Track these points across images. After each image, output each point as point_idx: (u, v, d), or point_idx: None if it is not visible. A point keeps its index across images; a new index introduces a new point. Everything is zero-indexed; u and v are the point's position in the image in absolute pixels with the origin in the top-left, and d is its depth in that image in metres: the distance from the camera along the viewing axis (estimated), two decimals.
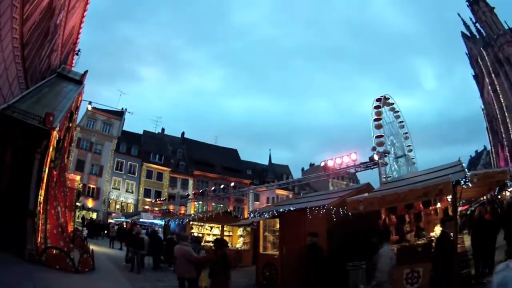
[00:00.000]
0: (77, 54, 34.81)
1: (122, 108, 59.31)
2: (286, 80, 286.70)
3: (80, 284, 13.67)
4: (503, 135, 61.69)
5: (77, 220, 37.46)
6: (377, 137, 52.44)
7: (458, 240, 11.68)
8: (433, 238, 12.57)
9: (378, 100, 55.08)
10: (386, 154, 36.77)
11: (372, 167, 25.25)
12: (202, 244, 20.32)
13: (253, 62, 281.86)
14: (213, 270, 10.02)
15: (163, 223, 32.43)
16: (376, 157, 25.51)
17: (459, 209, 23.83)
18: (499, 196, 29.08)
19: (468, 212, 26.90)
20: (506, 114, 58.98)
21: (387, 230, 13.21)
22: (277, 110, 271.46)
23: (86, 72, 27.05)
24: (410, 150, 58.05)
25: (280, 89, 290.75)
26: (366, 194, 12.41)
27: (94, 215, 53.32)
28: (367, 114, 56.32)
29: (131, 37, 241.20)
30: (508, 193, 28.33)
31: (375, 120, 53.55)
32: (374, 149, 34.17)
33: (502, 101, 60.02)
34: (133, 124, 61.75)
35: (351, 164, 26.42)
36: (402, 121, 58.86)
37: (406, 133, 58.87)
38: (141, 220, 37.00)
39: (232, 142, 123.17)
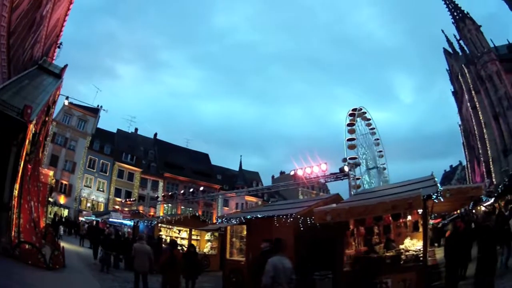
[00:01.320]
0: (59, 47, 34.05)
1: (98, 105, 58.90)
2: (262, 86, 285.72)
3: (53, 281, 13.36)
4: (480, 151, 62.62)
5: (49, 216, 36.84)
6: (348, 140, 52.62)
7: (429, 253, 11.92)
8: (402, 250, 12.64)
9: (353, 111, 55.09)
10: (357, 166, 36.85)
11: (342, 178, 25.24)
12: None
13: (231, 66, 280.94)
14: (163, 267, 12.05)
15: (132, 224, 31.87)
16: (346, 169, 25.56)
17: (431, 222, 23.96)
18: (474, 211, 29.34)
19: (439, 226, 26.99)
20: (485, 130, 59.89)
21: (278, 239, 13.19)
22: (251, 116, 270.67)
23: (66, 66, 26.50)
24: (383, 163, 58.75)
25: (256, 95, 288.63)
26: (334, 205, 12.36)
27: (66, 212, 52.31)
28: (342, 125, 56.18)
29: (113, 33, 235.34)
30: (483, 208, 28.57)
31: (349, 132, 53.40)
32: (344, 160, 34.28)
33: (481, 118, 60.94)
34: (107, 122, 61.31)
35: (321, 174, 26.38)
36: (376, 134, 59.42)
37: (379, 144, 59.49)
38: (110, 219, 36.38)
39: (203, 146, 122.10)
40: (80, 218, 47.09)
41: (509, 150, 54.30)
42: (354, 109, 55.06)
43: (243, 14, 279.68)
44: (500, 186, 22.78)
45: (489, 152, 58.55)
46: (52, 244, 19.91)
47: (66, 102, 49.59)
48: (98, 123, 63.10)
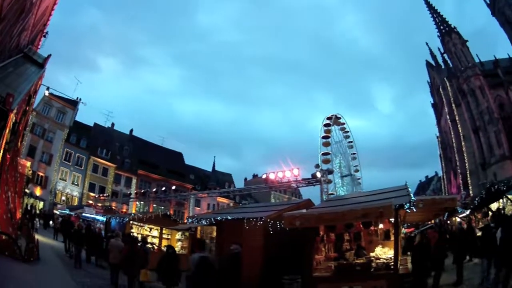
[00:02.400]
0: (44, 36, 33.47)
1: (77, 98, 57.92)
2: (241, 87, 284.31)
3: (28, 273, 13.26)
4: (457, 163, 63.45)
5: (24, 207, 36.19)
6: (323, 154, 51.83)
7: (402, 262, 12.14)
8: (373, 258, 12.69)
9: (329, 118, 55.04)
10: (330, 173, 36.88)
11: (314, 184, 25.26)
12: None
13: (211, 66, 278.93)
14: (121, 261, 13.29)
15: (105, 219, 31.42)
16: (318, 175, 25.61)
17: (404, 231, 24.02)
18: (448, 222, 29.50)
19: (412, 235, 27.01)
20: (463, 143, 60.75)
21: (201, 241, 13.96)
22: (227, 116, 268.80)
23: (49, 56, 26.10)
24: (357, 170, 59.21)
25: (234, 96, 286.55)
26: (304, 211, 12.33)
27: (41, 204, 51.29)
28: (318, 130, 55.52)
29: (96, 24, 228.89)
30: (458, 219, 28.74)
31: (324, 137, 52.91)
32: (317, 166, 34.16)
33: (460, 131, 61.81)
34: (84, 115, 59.94)
35: (293, 179, 26.39)
36: (351, 141, 59.84)
37: (354, 153, 59.89)
38: (83, 214, 35.78)
39: (178, 145, 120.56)
40: (55, 211, 46.31)
41: (487, 164, 55.04)
42: (329, 117, 55.00)
43: (227, 14, 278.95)
44: (477, 199, 22.95)
45: (466, 164, 59.27)
46: (27, 236, 19.58)
47: (47, 93, 48.80)
48: (76, 115, 62.22)
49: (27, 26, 23.08)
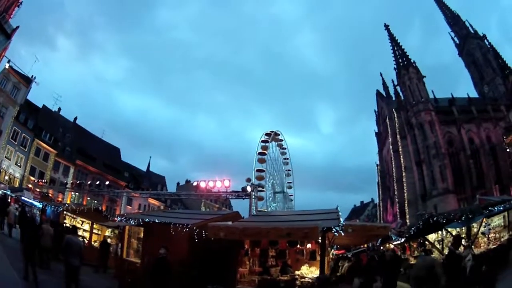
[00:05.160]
0: (18, 6, 32.35)
1: (32, 76, 55.78)
2: (184, 89, 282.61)
3: None
4: (396, 193, 65.39)
5: None
6: (257, 171, 51.18)
7: None
8: (298, 276, 12.83)
9: (268, 134, 54.92)
10: (260, 187, 37.02)
11: (243, 197, 25.45)
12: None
13: (160, 62, 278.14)
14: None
15: (41, 206, 30.35)
16: (249, 189, 25.74)
17: (334, 252, 24.33)
18: (381, 248, 30.11)
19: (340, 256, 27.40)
20: (404, 173, 62.84)
21: None
22: (167, 116, 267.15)
23: (17, 28, 25.14)
24: (290, 187, 59.82)
25: (176, 96, 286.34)
26: (229, 223, 12.34)
27: None
28: (255, 143, 55.42)
29: (64, 0, 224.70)
30: (392, 246, 29.38)
31: (260, 153, 52.46)
32: (249, 180, 34.14)
33: (402, 162, 63.88)
34: (33, 95, 57.43)
35: (223, 190, 26.53)
36: (288, 159, 60.22)
37: (289, 170, 60.41)
38: (22, 197, 34.60)
39: (116, 139, 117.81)
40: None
41: (428, 196, 56.94)
42: (268, 134, 54.98)
43: (186, 13, 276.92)
44: (413, 228, 23.51)
45: (406, 194, 60.96)
46: None
47: (7, 66, 46.87)
48: (28, 94, 59.90)
49: None
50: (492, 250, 15.43)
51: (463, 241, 18.92)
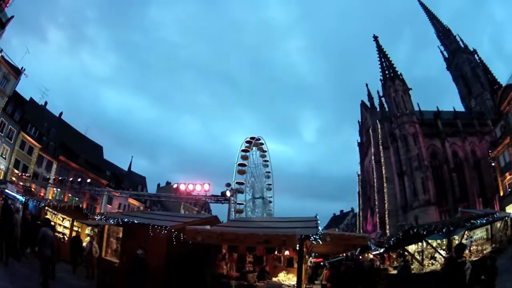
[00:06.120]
0: None
1: (21, 68, 55.20)
2: (169, 89, 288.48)
3: None
4: (376, 203, 65.81)
5: None
6: (237, 183, 50.55)
7: None
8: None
9: (249, 141, 54.97)
10: (239, 192, 37.02)
11: (222, 202, 25.53)
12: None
13: (147, 61, 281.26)
14: None
15: (24, 200, 30.09)
16: (228, 193, 25.85)
17: (312, 260, 24.47)
18: (360, 257, 30.25)
19: (322, 264, 27.59)
20: (385, 184, 63.33)
21: None
22: (150, 116, 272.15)
23: (11, 18, 24.81)
24: (269, 189, 59.90)
25: (160, 96, 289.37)
26: (207, 227, 12.37)
27: None
28: (236, 148, 55.76)
29: None
30: (371, 255, 29.57)
31: (242, 157, 52.73)
32: (228, 185, 34.19)
33: (384, 172, 64.36)
34: (21, 86, 56.64)
35: (202, 194, 26.64)
36: (268, 166, 60.45)
37: (269, 174, 60.48)
38: (6, 190, 34.16)
39: (99, 137, 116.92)
40: None
41: (409, 207, 57.32)
42: (252, 138, 55.19)
43: (176, 14, 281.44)
44: (393, 239, 23.68)
45: (386, 205, 61.31)
46: None
47: None
48: (17, 85, 59.23)
49: None
50: (473, 262, 15.53)
51: (443, 253, 19.31)
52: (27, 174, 54.44)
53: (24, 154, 58.20)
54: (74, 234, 23.79)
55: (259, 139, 57.07)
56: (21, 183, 48.56)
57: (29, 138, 58.98)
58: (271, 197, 59.31)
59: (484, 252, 17.80)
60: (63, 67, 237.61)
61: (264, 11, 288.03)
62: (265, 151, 58.91)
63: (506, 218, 23.19)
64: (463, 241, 18.82)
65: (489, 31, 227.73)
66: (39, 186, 56.23)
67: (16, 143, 56.86)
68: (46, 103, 71.93)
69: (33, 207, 26.10)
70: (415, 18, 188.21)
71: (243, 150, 52.51)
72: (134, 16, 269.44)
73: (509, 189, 41.64)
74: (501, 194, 44.08)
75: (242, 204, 47.47)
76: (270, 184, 59.74)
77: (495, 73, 77.30)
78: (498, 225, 21.79)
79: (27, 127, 58.95)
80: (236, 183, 49.52)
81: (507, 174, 42.56)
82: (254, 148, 56.30)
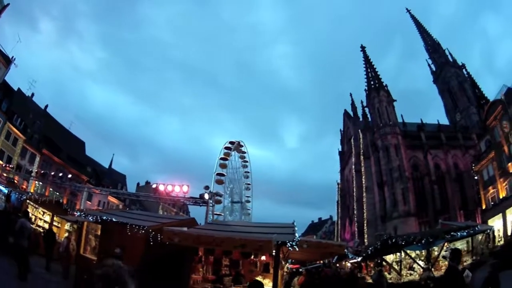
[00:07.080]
0: None
1: (12, 57, 54.54)
2: (153, 88, 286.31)
3: None
4: (355, 212, 66.29)
5: None
6: (218, 174, 50.95)
7: None
8: None
9: (231, 143, 54.80)
10: (218, 196, 37.08)
11: (200, 204, 25.63)
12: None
13: (134, 58, 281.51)
14: None
15: (6, 191, 29.81)
16: (206, 196, 25.97)
17: (289, 266, 24.59)
18: (337, 265, 30.50)
19: (300, 270, 27.70)
20: (365, 194, 63.93)
21: None
22: (133, 114, 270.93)
23: (7, 5, 24.38)
24: (248, 197, 59.53)
25: (144, 95, 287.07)
26: (185, 229, 12.39)
27: None
28: (217, 150, 56.11)
29: None
30: (348, 264, 29.82)
31: (222, 159, 52.26)
32: (207, 188, 34.25)
33: (364, 182, 64.91)
34: (9, 76, 55.72)
35: (181, 195, 26.71)
36: (248, 172, 60.20)
37: (249, 184, 60.30)
38: None
39: (82, 132, 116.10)
40: None
41: (389, 217, 57.76)
42: (232, 142, 54.91)
43: (167, 12, 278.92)
44: (371, 248, 23.97)
45: (365, 214, 61.77)
46: None
47: None
48: (6, 75, 58.42)
49: None
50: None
51: (421, 263, 19.60)
52: (10, 166, 53.82)
53: (9, 145, 57.35)
54: (54, 229, 23.53)
55: (241, 144, 57.11)
56: (4, 174, 48.06)
57: (14, 129, 58.13)
58: (249, 196, 59.26)
59: (464, 264, 18.05)
60: (52, 58, 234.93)
61: (255, 14, 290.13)
62: (245, 152, 58.71)
63: (488, 231, 23.68)
64: (443, 252, 19.16)
65: (481, 45, 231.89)
66: (22, 178, 55.64)
67: (1, 133, 56.21)
68: (33, 94, 71.02)
69: (15, 199, 25.97)
70: (406, 27, 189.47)
71: (221, 158, 52.04)
72: (125, 11, 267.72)
73: (492, 203, 42.25)
74: (484, 207, 44.70)
75: (221, 215, 47.28)
76: (249, 184, 59.56)
77: (484, 88, 78.85)
78: (480, 237, 22.21)
79: (13, 118, 58.25)
80: (217, 174, 49.87)
81: (490, 187, 43.21)
82: (236, 152, 56.36)
